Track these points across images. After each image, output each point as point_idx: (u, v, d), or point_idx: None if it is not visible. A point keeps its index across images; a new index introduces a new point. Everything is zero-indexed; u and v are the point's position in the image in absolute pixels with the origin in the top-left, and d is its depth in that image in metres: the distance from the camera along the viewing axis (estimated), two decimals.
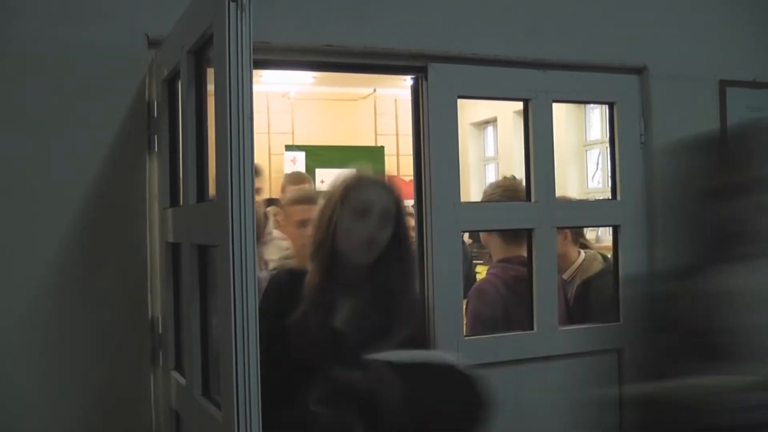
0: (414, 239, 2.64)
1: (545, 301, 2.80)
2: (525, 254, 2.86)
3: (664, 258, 1.94)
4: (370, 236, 2.10)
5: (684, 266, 1.75)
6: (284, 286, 2.19)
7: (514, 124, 6.94)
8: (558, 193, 2.90)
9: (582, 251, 3.33)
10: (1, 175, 2.19)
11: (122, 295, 2.29)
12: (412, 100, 2.72)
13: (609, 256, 3.22)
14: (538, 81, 2.81)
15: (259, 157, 7.15)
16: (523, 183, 2.90)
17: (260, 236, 3.19)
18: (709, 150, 1.81)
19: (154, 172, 2.34)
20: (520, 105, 2.93)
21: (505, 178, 3.23)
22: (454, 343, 2.63)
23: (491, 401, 1.98)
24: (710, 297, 1.66)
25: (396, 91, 7.65)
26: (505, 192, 2.98)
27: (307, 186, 4.35)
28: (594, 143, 7.06)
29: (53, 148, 2.24)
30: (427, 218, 2.64)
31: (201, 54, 1.96)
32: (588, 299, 3.16)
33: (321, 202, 2.21)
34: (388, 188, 2.19)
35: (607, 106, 3.04)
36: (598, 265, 3.25)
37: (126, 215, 2.31)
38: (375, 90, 7.90)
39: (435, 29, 2.67)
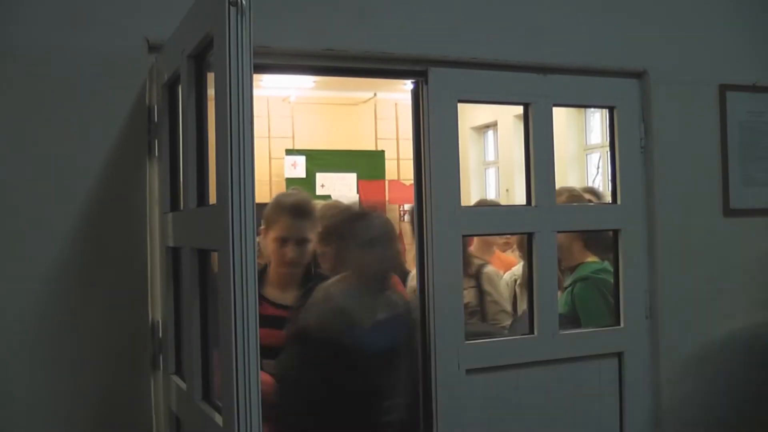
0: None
1: (546, 306, 2.79)
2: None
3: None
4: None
5: None
6: None
7: (515, 128, 6.94)
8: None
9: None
10: (2, 179, 2.19)
11: (123, 299, 2.29)
12: (412, 105, 2.72)
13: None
14: (538, 85, 2.81)
15: (260, 162, 7.18)
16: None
17: None
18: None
19: (154, 177, 2.34)
20: (520, 109, 2.93)
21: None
22: (454, 348, 2.63)
23: None
24: None
25: (396, 96, 7.65)
26: None
27: None
28: (594, 147, 7.05)
29: (54, 152, 2.24)
30: (428, 222, 2.64)
31: (201, 58, 1.96)
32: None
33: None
34: None
35: (607, 110, 3.04)
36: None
37: (126, 219, 2.31)
38: (375, 94, 7.90)
39: (435, 33, 2.67)
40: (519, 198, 5.95)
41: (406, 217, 4.22)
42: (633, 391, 2.93)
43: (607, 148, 3.34)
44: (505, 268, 3.85)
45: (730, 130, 3.08)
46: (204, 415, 1.89)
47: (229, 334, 1.59)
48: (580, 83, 2.90)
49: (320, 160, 7.76)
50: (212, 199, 1.88)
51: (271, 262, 2.80)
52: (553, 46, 2.84)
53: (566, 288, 3.12)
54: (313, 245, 2.80)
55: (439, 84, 2.66)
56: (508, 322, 3.49)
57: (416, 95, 2.70)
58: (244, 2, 1.60)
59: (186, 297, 2.08)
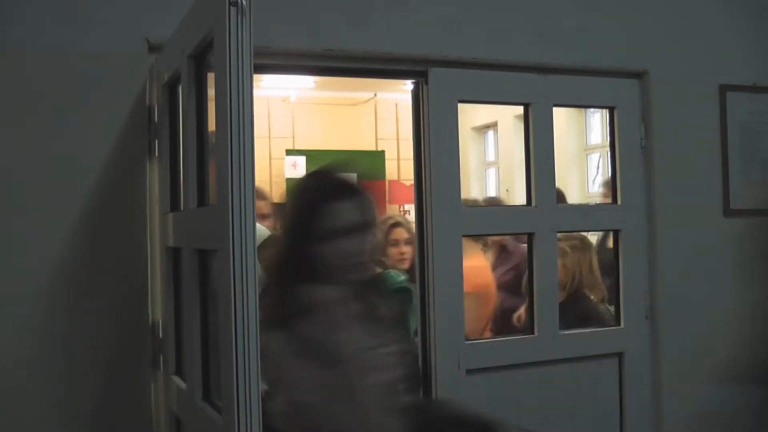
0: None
1: (546, 306, 2.79)
2: None
3: None
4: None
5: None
6: None
7: (515, 129, 6.93)
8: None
9: None
10: (2, 180, 2.19)
11: (123, 300, 2.29)
12: (412, 105, 2.72)
13: None
14: (538, 85, 2.81)
15: (260, 162, 7.16)
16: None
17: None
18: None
19: (154, 177, 2.34)
20: (520, 109, 2.94)
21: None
22: (454, 348, 2.63)
23: None
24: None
25: (397, 96, 7.63)
26: None
27: None
28: (594, 147, 7.05)
29: (54, 152, 2.24)
30: (428, 222, 2.64)
31: (202, 58, 1.96)
32: None
33: None
34: None
35: (607, 110, 3.05)
36: None
37: (127, 220, 2.31)
38: (376, 94, 7.89)
39: (435, 34, 2.68)
40: (519, 198, 5.95)
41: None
42: (633, 391, 2.93)
43: (607, 148, 3.34)
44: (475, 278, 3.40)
45: (730, 130, 3.08)
46: (204, 415, 1.89)
47: (229, 334, 1.59)
48: (580, 83, 2.90)
49: (320, 160, 7.72)
50: (212, 199, 1.88)
51: None
52: (553, 46, 2.84)
53: None
54: None
55: (439, 84, 2.66)
56: None
57: (416, 95, 2.70)
58: (244, 2, 1.60)
59: (186, 297, 2.08)
